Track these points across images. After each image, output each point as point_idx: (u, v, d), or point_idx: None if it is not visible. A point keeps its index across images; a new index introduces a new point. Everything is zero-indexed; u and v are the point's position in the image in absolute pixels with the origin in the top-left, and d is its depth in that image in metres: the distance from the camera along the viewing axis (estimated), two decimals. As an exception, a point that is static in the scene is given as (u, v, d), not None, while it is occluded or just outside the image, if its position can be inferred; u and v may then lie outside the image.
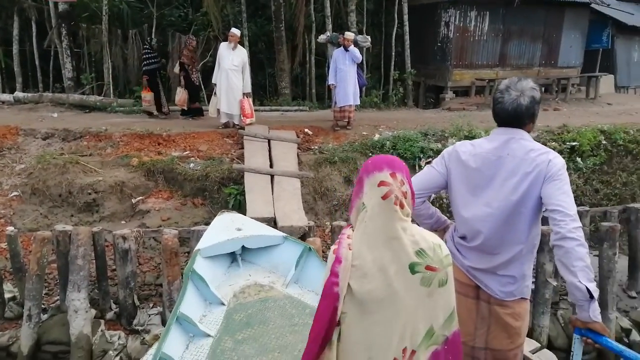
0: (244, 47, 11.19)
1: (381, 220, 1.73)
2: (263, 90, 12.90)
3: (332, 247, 1.80)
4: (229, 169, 6.99)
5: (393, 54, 12.61)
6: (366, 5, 12.50)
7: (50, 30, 11.79)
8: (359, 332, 1.75)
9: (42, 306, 5.19)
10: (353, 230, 1.82)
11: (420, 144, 7.83)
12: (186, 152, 7.67)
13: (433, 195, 2.41)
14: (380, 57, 13.11)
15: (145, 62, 9.76)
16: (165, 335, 2.91)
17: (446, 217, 2.64)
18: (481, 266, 2.34)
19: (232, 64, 8.36)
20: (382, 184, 1.73)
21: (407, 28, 12.34)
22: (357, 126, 9.08)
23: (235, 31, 8.46)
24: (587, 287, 1.99)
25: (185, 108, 9.57)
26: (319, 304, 1.75)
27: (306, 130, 8.62)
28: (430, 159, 7.55)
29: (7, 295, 5.27)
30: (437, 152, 7.56)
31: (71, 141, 8.34)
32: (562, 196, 2.11)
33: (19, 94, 11.18)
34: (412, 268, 1.72)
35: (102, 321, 5.26)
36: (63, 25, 11.33)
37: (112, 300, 5.44)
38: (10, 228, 6.45)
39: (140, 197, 7.03)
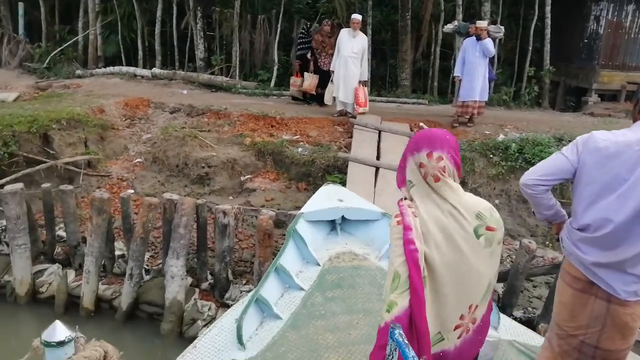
0: (366, 35, 10.97)
1: (432, 195, 1.85)
2: (382, 80, 12.55)
3: (395, 220, 1.85)
4: (334, 156, 6.80)
5: (530, 49, 11.45)
6: (503, -5, 11.49)
7: (188, 12, 12.58)
8: (431, 293, 1.82)
9: (145, 267, 5.47)
10: (408, 202, 1.90)
11: (552, 150, 6.90)
12: (296, 137, 7.63)
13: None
14: (514, 52, 12.01)
15: (299, 47, 9.69)
16: (263, 281, 3.31)
17: (565, 212, 2.47)
18: (604, 260, 2.20)
19: (352, 51, 8.13)
20: (420, 165, 1.85)
21: (548, 21, 11.11)
22: (480, 124, 8.34)
23: (357, 17, 8.20)
24: None
25: (314, 93, 9.40)
26: (410, 275, 1.76)
27: (421, 124, 8.11)
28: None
29: (117, 253, 5.62)
30: (570, 160, 6.65)
31: (194, 117, 8.78)
32: None
33: (156, 70, 12.12)
34: (476, 232, 1.82)
35: (197, 290, 5.40)
36: (199, 8, 12.03)
37: (208, 272, 5.55)
38: (130, 191, 6.97)
39: (249, 176, 7.15)
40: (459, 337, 1.90)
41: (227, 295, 5.31)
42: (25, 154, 6.70)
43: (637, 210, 2.11)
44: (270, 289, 3.33)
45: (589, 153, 2.23)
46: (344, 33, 8.23)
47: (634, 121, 2.28)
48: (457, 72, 8.10)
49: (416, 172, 1.87)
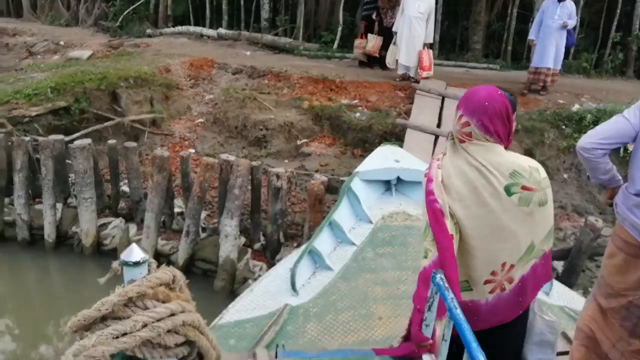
0: (436, -6, 10.38)
1: (460, 152, 1.88)
2: (452, 43, 11.92)
3: (425, 171, 1.96)
4: (392, 123, 6.59)
5: (618, 12, 10.38)
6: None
7: (255, -29, 12.46)
8: (459, 249, 1.86)
9: (202, 225, 5.65)
10: (442, 155, 1.98)
11: (632, 123, 6.32)
12: (355, 101, 7.47)
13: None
14: (600, 15, 10.94)
15: (365, 7, 9.28)
16: (317, 234, 3.45)
17: (620, 177, 2.40)
18: None
19: (418, 10, 7.72)
20: (457, 121, 1.89)
21: (643, -20, 9.98)
22: (554, 92, 7.75)
23: (425, -25, 7.74)
24: None
25: (378, 55, 8.96)
26: (431, 224, 1.85)
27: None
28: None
29: (176, 210, 5.83)
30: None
31: (255, 78, 8.80)
32: None
33: (221, 30, 12.21)
34: (508, 190, 1.81)
35: (250, 250, 5.52)
36: (265, -34, 11.85)
37: (261, 233, 5.66)
38: (191, 150, 7.17)
39: (305, 140, 7.12)
40: (491, 292, 1.91)
41: (278, 257, 5.39)
42: (95, 111, 7.03)
43: None
44: (323, 241, 3.47)
45: None
46: (410, -8, 7.81)
47: None
48: (532, 36, 7.51)
49: (454, 126, 1.92)
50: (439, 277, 1.70)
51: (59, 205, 5.85)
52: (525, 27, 10.86)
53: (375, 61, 9.16)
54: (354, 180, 3.98)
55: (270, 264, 5.40)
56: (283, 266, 3.36)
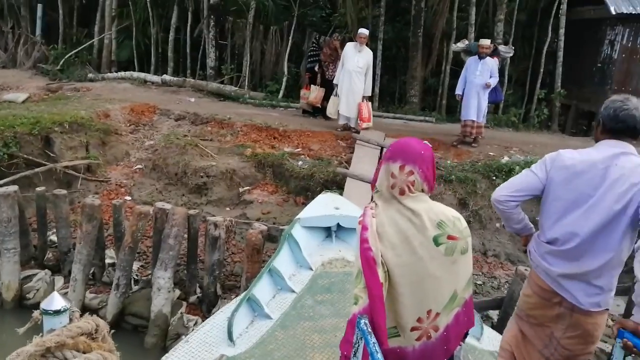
0: (377, 50, 10.92)
1: (393, 203, 1.93)
2: (391, 96, 12.46)
3: (359, 219, 1.96)
4: (333, 171, 6.70)
5: (542, 70, 11.29)
6: (517, 16, 11.36)
7: (202, 21, 12.65)
8: (388, 295, 1.89)
9: (135, 277, 5.41)
10: (373, 204, 1.99)
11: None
12: (298, 149, 7.57)
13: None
14: (526, 73, 11.86)
15: (310, 60, 9.68)
16: (256, 282, 3.45)
17: (532, 226, 2.60)
18: (570, 272, 2.34)
19: (357, 65, 8.06)
20: (392, 175, 1.92)
21: (561, 44, 10.95)
22: (485, 145, 8.21)
23: (363, 32, 8.15)
24: None
25: (320, 106, 9.30)
26: (364, 271, 1.86)
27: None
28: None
29: (108, 261, 5.57)
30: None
31: (198, 125, 8.76)
32: None
33: (166, 77, 12.18)
34: (436, 240, 1.88)
35: (184, 303, 5.31)
36: (212, 17, 12.08)
37: (197, 285, 5.47)
38: (127, 198, 6.94)
39: (247, 187, 7.08)
40: (417, 340, 1.94)
41: (214, 310, 5.20)
42: (25, 156, 6.72)
43: (600, 225, 2.26)
44: (262, 289, 3.46)
45: (556, 170, 2.38)
46: (350, 47, 8.18)
47: (596, 141, 2.45)
48: (458, 91, 8.03)
49: (385, 180, 1.94)
50: (363, 322, 1.73)
51: (-22, 257, 5.44)
52: (457, 82, 11.58)
53: (318, 111, 9.41)
54: (295, 226, 4.02)
55: (206, 318, 5.20)
56: (220, 316, 3.29)
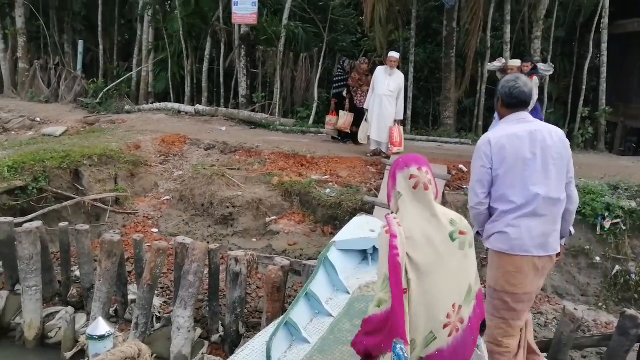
0: (408, 73, 10.68)
1: (417, 204, 2.15)
2: (425, 119, 12.13)
3: (383, 230, 2.12)
4: (362, 199, 6.41)
5: (584, 87, 10.70)
6: (555, 32, 10.88)
7: (234, 51, 12.81)
8: (420, 294, 2.06)
9: (157, 315, 5.23)
10: (394, 214, 2.20)
11: (606, 199, 6.17)
12: (326, 177, 7.33)
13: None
14: (568, 91, 11.29)
15: (335, 85, 9.53)
16: (294, 306, 3.46)
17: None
18: (545, 227, 2.99)
19: (388, 89, 7.83)
20: (411, 177, 2.16)
21: (604, 59, 10.37)
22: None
23: (394, 55, 7.93)
24: None
25: (349, 132, 9.13)
26: (390, 276, 2.04)
27: (461, 166, 7.60)
28: (618, 220, 5.93)
29: (130, 297, 5.42)
30: (629, 213, 5.91)
31: (227, 154, 8.70)
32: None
33: (199, 106, 12.31)
34: (452, 236, 2.11)
35: (207, 343, 5.07)
36: (243, 46, 12.19)
37: (220, 322, 5.24)
38: (155, 230, 6.86)
39: (274, 217, 6.88)
40: (449, 335, 2.09)
41: (237, 350, 4.95)
42: (54, 190, 6.77)
43: (555, 178, 2.89)
44: (300, 313, 3.48)
45: (495, 152, 2.89)
46: (380, 71, 7.97)
47: (500, 115, 3.07)
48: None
49: (406, 183, 2.17)
50: (399, 347, 1.82)
51: (4, 293, 5.43)
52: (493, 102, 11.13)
53: (348, 137, 9.19)
54: (330, 249, 4.02)
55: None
56: (259, 340, 3.29)
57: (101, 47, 14.92)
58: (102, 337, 1.56)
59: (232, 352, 4.92)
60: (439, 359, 2.07)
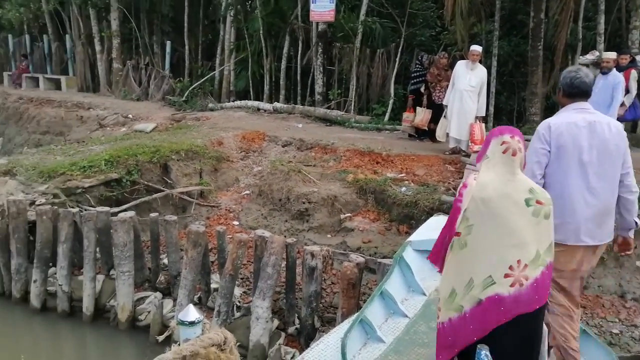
0: (491, 67, 10.25)
1: (500, 166, 2.37)
2: (509, 116, 11.58)
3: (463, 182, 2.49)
4: (439, 199, 6.26)
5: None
6: (660, 20, 9.94)
7: (311, 48, 12.97)
8: (480, 241, 2.31)
9: (237, 304, 5.45)
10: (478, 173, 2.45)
11: None
12: (401, 175, 7.24)
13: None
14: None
15: (413, 81, 9.39)
16: (369, 304, 3.49)
17: None
18: (599, 209, 3.03)
19: (469, 84, 7.57)
20: (503, 143, 2.39)
21: None
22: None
23: (476, 49, 7.65)
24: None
25: (426, 129, 8.94)
26: (450, 214, 2.49)
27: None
28: None
29: (213, 286, 5.69)
30: None
31: (303, 150, 8.86)
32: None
33: (277, 104, 12.62)
34: (527, 202, 2.31)
35: (283, 334, 5.22)
36: (320, 44, 12.31)
37: (296, 315, 5.36)
38: (236, 222, 7.14)
39: (348, 214, 6.91)
40: (511, 286, 2.26)
41: (312, 344, 5.04)
42: (145, 182, 7.26)
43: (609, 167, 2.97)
44: (374, 312, 3.51)
45: (554, 137, 2.96)
46: (461, 65, 7.73)
47: (561, 104, 3.14)
48: None
49: (497, 148, 2.40)
50: (484, 353, 1.97)
51: (101, 277, 5.91)
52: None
53: (425, 134, 9.01)
54: (406, 249, 4.00)
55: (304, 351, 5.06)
56: (334, 335, 3.34)
57: (187, 47, 15.70)
58: (192, 323, 1.62)
59: (307, 345, 5.03)
60: (499, 303, 2.25)
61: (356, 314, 3.54)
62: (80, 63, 16.94)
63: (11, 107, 15.10)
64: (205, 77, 14.84)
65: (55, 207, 5.97)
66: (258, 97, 13.99)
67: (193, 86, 14.44)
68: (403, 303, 3.71)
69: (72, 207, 6.17)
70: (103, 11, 16.06)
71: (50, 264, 5.87)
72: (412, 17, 12.22)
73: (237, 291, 5.58)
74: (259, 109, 12.78)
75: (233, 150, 8.99)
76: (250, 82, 14.12)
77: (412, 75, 9.50)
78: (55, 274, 5.78)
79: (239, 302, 5.58)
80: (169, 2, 15.59)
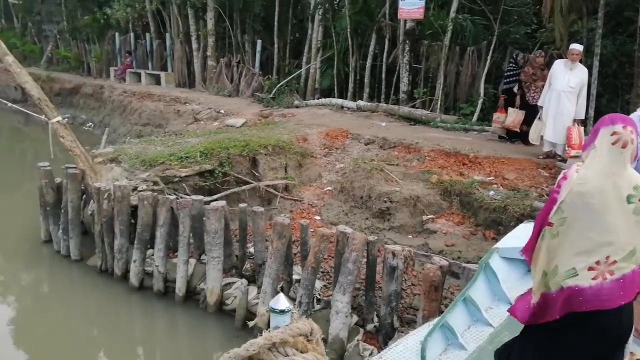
0: (592, 67, 9.58)
1: (607, 158, 2.26)
2: (610, 119, 10.74)
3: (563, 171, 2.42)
4: (531, 205, 5.98)
5: None
6: None
7: (397, 46, 12.86)
8: (575, 235, 2.27)
9: (317, 296, 5.59)
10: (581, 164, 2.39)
11: None
12: (490, 178, 7.00)
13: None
14: None
15: (505, 80, 9.07)
16: (451, 309, 3.39)
17: None
18: None
19: (568, 85, 7.14)
20: (614, 133, 2.27)
21: None
22: None
23: (577, 47, 7.20)
24: None
25: (518, 131, 8.57)
26: (545, 204, 2.48)
27: None
28: None
29: (295, 277, 5.87)
30: None
31: (386, 149, 8.84)
32: None
33: (361, 102, 12.67)
34: (629, 199, 2.22)
35: (362, 330, 5.27)
36: (407, 42, 12.17)
37: (375, 313, 5.39)
38: (317, 217, 7.30)
39: (431, 216, 6.81)
40: (594, 279, 2.23)
41: (391, 343, 5.04)
42: (235, 174, 7.63)
43: None
44: (457, 318, 3.41)
45: None
46: (559, 65, 7.31)
47: None
48: None
49: (606, 139, 2.28)
50: None
51: (192, 261, 6.31)
52: None
53: (516, 136, 8.63)
54: (492, 256, 3.87)
55: (382, 349, 5.07)
56: (413, 338, 3.30)
57: (276, 45, 16.21)
58: (282, 312, 1.66)
59: (385, 343, 5.06)
60: (578, 294, 2.24)
61: (438, 318, 3.48)
62: (178, 60, 18.07)
63: (116, 100, 16.50)
64: (292, 75, 15.23)
65: (155, 193, 6.45)
66: (342, 95, 14.13)
67: (280, 84, 14.88)
68: (487, 311, 3.60)
69: (170, 194, 6.64)
70: (200, 11, 17.01)
71: (149, 245, 6.36)
72: (506, 14, 11.69)
73: (318, 284, 5.71)
74: (342, 107, 12.91)
75: (317, 147, 9.18)
76: (335, 80, 14.28)
77: (505, 74, 9.13)
78: (153, 255, 6.26)
79: (319, 294, 5.71)
80: (260, 1, 16.16)
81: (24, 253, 7.40)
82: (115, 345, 5.62)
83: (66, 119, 7.68)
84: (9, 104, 12.18)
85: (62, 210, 7.06)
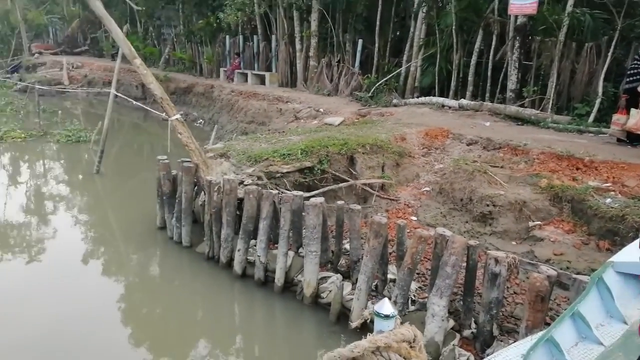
0: None
1: None
2: None
3: None
4: (655, 216, 5.41)
5: None
6: None
7: (506, 43, 12.23)
8: None
9: (412, 297, 5.54)
10: None
11: None
12: (607, 184, 6.43)
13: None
14: None
15: (629, 79, 8.40)
16: (558, 323, 3.21)
17: None
18: None
19: None
20: None
21: None
22: None
23: None
24: None
25: None
26: None
27: None
28: None
29: (389, 276, 5.86)
30: None
31: (490, 150, 8.48)
32: None
33: (463, 101, 12.24)
34: None
35: (458, 336, 5.13)
36: (517, 38, 11.53)
37: (473, 319, 5.22)
38: (414, 218, 7.22)
39: (538, 222, 6.42)
40: None
41: (489, 351, 4.86)
42: (333, 172, 7.78)
43: None
44: (564, 333, 3.23)
45: None
46: (697, 62, 6.50)
47: None
48: None
49: None
50: None
51: (291, 253, 6.55)
52: None
53: (639, 140, 7.82)
54: (607, 271, 3.61)
55: (480, 356, 4.91)
56: (515, 350, 3.16)
57: (376, 44, 16.19)
58: (387, 317, 1.67)
59: (482, 351, 4.89)
60: None
61: (543, 332, 3.32)
62: (282, 61, 18.76)
63: (225, 99, 17.54)
64: (392, 74, 15.12)
65: (259, 187, 6.79)
66: (442, 94, 13.76)
67: (379, 82, 14.85)
68: (598, 329, 3.35)
69: (272, 189, 6.95)
70: (305, 13, 17.50)
71: (252, 236, 6.71)
72: (632, 7, 10.62)
73: (413, 285, 5.65)
74: (443, 106, 12.59)
75: (415, 147, 9.05)
76: (437, 78, 13.94)
77: (629, 72, 8.31)
78: (255, 245, 6.59)
79: (414, 296, 5.65)
80: (363, 1, 16.23)
81: (141, 237, 8.16)
82: (216, 329, 6.01)
83: (181, 116, 8.34)
84: (132, 102, 13.51)
85: (177, 200, 7.69)
